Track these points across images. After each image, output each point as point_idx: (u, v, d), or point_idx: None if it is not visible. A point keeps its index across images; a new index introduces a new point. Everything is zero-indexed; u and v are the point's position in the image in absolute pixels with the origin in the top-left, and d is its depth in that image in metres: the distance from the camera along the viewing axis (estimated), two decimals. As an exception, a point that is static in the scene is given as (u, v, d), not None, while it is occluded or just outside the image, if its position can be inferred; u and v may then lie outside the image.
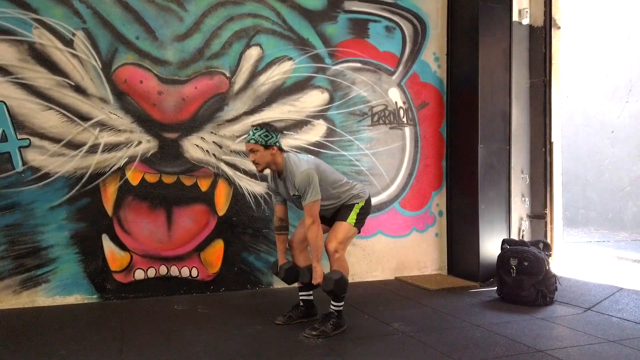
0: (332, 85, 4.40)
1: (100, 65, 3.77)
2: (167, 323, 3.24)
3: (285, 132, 4.23)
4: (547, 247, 3.98)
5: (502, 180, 4.60)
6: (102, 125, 3.77)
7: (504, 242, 4.10)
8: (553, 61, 4.91)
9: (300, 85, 4.31)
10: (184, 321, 3.29)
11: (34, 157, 3.62)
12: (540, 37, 4.93)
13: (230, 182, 4.11)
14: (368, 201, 3.20)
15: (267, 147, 2.96)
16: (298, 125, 4.31)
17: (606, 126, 8.64)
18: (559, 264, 4.86)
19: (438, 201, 4.85)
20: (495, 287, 4.03)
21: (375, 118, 4.59)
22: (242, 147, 4.13)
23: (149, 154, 3.88)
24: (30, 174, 3.62)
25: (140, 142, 3.86)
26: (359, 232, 3.21)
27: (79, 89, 3.72)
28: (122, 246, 3.83)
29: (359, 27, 4.51)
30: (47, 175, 3.65)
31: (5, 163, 3.56)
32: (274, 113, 4.22)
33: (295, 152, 3.87)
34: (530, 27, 4.98)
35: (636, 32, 8.38)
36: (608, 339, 2.96)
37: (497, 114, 4.57)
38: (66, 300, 3.71)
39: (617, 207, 8.46)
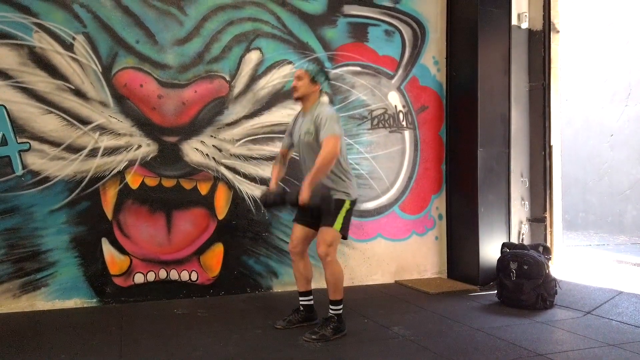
0: (331, 89, 4.41)
1: (100, 69, 3.77)
2: (166, 327, 3.24)
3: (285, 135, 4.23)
4: (547, 251, 3.98)
5: (502, 184, 4.61)
6: (102, 129, 3.77)
7: (503, 245, 4.11)
8: (552, 65, 4.92)
9: (300, 89, 4.31)
10: (184, 325, 3.28)
11: (34, 161, 3.62)
12: (539, 41, 4.95)
13: (230, 185, 4.11)
14: (353, 203, 3.15)
15: (313, 81, 3.14)
16: (298, 128, 4.31)
17: (605, 130, 8.65)
18: (558, 268, 4.86)
19: (438, 204, 4.85)
20: (495, 291, 4.03)
21: (375, 122, 4.60)
22: (242, 150, 4.14)
23: (149, 158, 3.89)
24: (30, 177, 3.62)
25: (140, 146, 3.87)
26: (346, 238, 3.15)
27: (79, 93, 3.72)
28: (121, 250, 3.83)
29: (359, 31, 4.52)
30: (46, 179, 3.65)
31: (5, 167, 3.56)
32: (273, 117, 4.23)
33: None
34: (530, 31, 4.99)
35: (635, 35, 8.40)
36: (608, 343, 2.95)
37: (496, 117, 4.58)
38: (65, 304, 3.70)
39: (616, 210, 8.47)
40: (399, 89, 4.69)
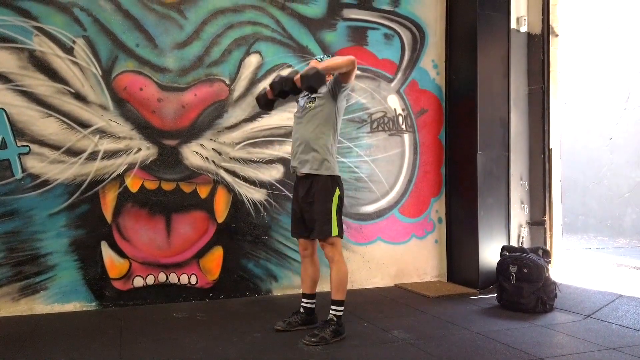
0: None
1: (101, 73, 3.78)
2: (166, 330, 3.23)
3: (284, 138, 4.24)
4: (547, 254, 3.98)
5: (501, 187, 4.61)
6: (102, 133, 3.78)
7: (503, 248, 4.11)
8: (551, 68, 4.93)
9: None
10: (183, 328, 3.27)
11: (34, 164, 3.62)
12: (538, 44, 4.96)
13: (229, 189, 4.11)
14: (341, 199, 3.14)
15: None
16: (297, 132, 4.31)
17: (605, 133, 8.66)
18: (558, 271, 4.85)
19: (437, 208, 4.86)
20: (495, 294, 4.03)
21: (375, 125, 4.61)
22: (242, 154, 4.14)
23: (149, 161, 3.89)
24: (29, 181, 3.62)
25: (139, 149, 3.87)
26: (341, 237, 3.17)
27: (79, 96, 3.73)
28: (121, 253, 3.82)
29: (358, 34, 4.53)
30: (46, 183, 3.65)
31: (5, 170, 3.56)
32: (273, 120, 4.23)
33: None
34: (529, 35, 5.01)
35: (634, 39, 8.42)
36: (608, 347, 2.95)
37: (495, 121, 4.59)
38: (65, 308, 3.69)
39: (616, 213, 8.47)
40: (398, 93, 4.70)
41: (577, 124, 8.99)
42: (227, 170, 4.11)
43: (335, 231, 3.08)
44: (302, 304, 3.30)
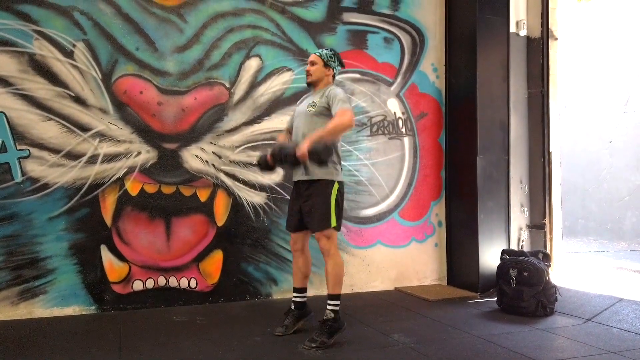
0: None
1: (101, 76, 3.78)
2: (165, 334, 3.22)
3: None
4: (547, 258, 3.97)
5: (501, 191, 4.61)
6: (102, 136, 3.78)
7: (503, 252, 4.10)
8: (551, 72, 4.94)
9: (299, 96, 4.31)
10: (183, 332, 3.27)
11: (33, 168, 3.62)
12: (538, 48, 4.97)
13: (229, 192, 4.11)
14: (341, 193, 3.14)
15: (326, 65, 3.20)
16: (297, 135, 4.32)
17: (604, 136, 8.67)
18: (558, 275, 4.85)
19: (437, 211, 4.85)
20: (495, 298, 4.02)
21: (374, 128, 4.61)
22: (242, 157, 4.15)
23: (149, 165, 3.89)
24: (29, 184, 3.61)
25: (139, 153, 3.87)
26: (339, 229, 3.17)
27: (79, 100, 3.73)
28: (120, 257, 3.82)
29: (358, 38, 4.54)
30: (46, 186, 3.65)
31: (5, 174, 3.56)
32: (273, 123, 4.23)
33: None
34: (528, 39, 5.01)
35: (633, 43, 8.44)
36: (609, 350, 2.94)
37: (495, 124, 4.59)
38: (64, 312, 3.68)
39: (616, 217, 8.47)
40: (398, 96, 4.70)
41: (577, 128, 9.00)
42: (227, 174, 4.11)
43: (334, 221, 3.07)
44: (293, 299, 3.29)
